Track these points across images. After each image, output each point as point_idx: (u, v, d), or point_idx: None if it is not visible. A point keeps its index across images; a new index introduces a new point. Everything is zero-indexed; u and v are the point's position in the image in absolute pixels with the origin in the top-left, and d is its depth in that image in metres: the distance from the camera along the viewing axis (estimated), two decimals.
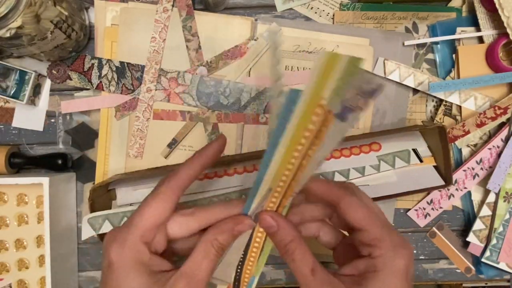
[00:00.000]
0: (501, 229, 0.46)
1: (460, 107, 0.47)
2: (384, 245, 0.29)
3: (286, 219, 0.31)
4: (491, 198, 0.46)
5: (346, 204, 0.31)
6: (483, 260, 0.46)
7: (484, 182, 0.46)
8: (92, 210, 0.43)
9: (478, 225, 0.47)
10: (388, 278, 0.29)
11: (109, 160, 0.48)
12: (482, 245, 0.47)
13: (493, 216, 0.46)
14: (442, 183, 0.45)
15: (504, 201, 0.46)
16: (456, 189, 0.48)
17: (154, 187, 0.33)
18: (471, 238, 0.47)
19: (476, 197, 0.48)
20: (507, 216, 0.46)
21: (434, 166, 0.46)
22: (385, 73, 0.47)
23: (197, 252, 0.31)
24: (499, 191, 0.46)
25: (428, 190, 0.46)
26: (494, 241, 0.46)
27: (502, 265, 0.46)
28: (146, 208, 0.31)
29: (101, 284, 0.31)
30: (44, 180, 0.44)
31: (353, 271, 0.31)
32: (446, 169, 0.44)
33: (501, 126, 0.46)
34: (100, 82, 0.47)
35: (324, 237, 0.34)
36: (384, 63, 0.47)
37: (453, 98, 0.47)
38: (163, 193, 0.31)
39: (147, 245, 0.30)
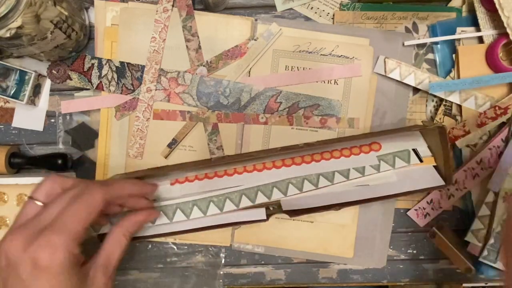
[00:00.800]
0: (499, 228, 0.46)
1: (460, 107, 0.47)
2: None
3: None
4: (490, 198, 0.46)
5: None
6: (480, 259, 0.46)
7: (484, 182, 0.46)
8: None
9: (476, 224, 0.47)
10: None
11: (109, 160, 0.48)
12: (480, 245, 0.47)
13: (492, 216, 0.46)
14: (442, 183, 0.45)
15: (504, 201, 0.46)
16: (456, 189, 0.48)
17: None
18: (469, 237, 0.47)
19: (476, 197, 0.48)
20: (505, 215, 0.46)
21: (434, 166, 0.46)
22: (385, 72, 0.47)
23: (110, 243, 0.35)
24: (499, 191, 0.46)
25: (428, 190, 0.46)
26: (492, 241, 0.46)
27: (499, 265, 0.46)
28: (78, 212, 0.33)
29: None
30: None
31: None
32: (446, 169, 0.44)
33: (501, 126, 0.46)
34: (100, 82, 0.47)
35: None
36: (384, 61, 0.47)
37: (454, 98, 0.47)
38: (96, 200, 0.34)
39: (78, 245, 0.32)
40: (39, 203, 0.34)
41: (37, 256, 0.30)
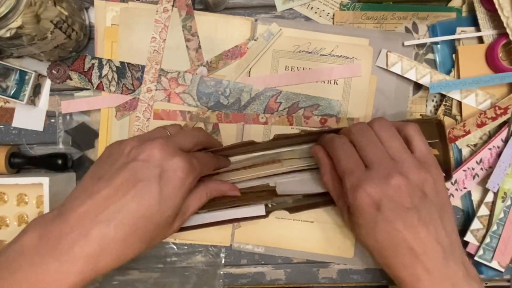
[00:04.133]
0: (495, 227, 0.46)
1: (460, 107, 0.47)
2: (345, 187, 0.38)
3: (323, 156, 0.42)
4: (489, 198, 0.46)
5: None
6: (476, 258, 0.46)
7: (484, 182, 0.47)
8: None
9: (475, 224, 0.47)
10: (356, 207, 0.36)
11: None
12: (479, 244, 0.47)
13: (491, 216, 0.46)
14: None
15: (503, 201, 0.46)
16: (456, 189, 0.48)
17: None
18: (468, 237, 0.47)
19: (476, 197, 0.48)
20: (502, 215, 0.46)
21: None
22: (387, 65, 0.47)
23: (193, 196, 0.39)
24: (498, 191, 0.46)
25: None
26: (487, 240, 0.46)
27: (494, 264, 0.46)
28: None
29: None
30: (44, 180, 0.44)
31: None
32: (445, 164, 0.44)
33: (501, 126, 0.46)
34: (100, 82, 0.47)
35: None
36: (386, 55, 0.47)
37: (454, 94, 0.47)
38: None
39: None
40: (168, 133, 0.40)
41: (177, 168, 0.35)
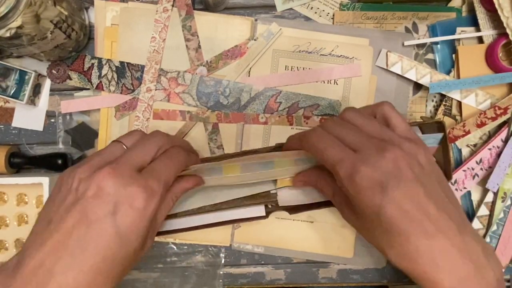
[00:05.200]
0: (495, 227, 0.46)
1: (460, 107, 0.47)
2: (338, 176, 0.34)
3: (306, 173, 0.43)
4: (489, 198, 0.46)
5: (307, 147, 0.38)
6: None
7: (484, 182, 0.47)
8: None
9: (475, 224, 0.47)
10: (352, 193, 0.33)
11: None
12: None
13: (490, 216, 0.46)
14: None
15: (503, 201, 0.46)
16: (456, 189, 0.48)
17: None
18: None
19: (476, 197, 0.48)
20: (501, 215, 0.46)
21: None
22: (387, 65, 0.47)
23: (163, 207, 0.37)
24: (498, 191, 0.46)
25: None
26: (487, 240, 0.46)
27: None
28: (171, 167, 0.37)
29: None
30: (44, 180, 0.44)
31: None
32: (445, 165, 0.44)
33: (501, 126, 0.46)
34: (100, 82, 0.47)
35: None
36: (387, 54, 0.47)
37: (454, 94, 0.47)
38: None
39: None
40: (125, 147, 0.36)
41: (134, 197, 0.32)
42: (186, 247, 0.50)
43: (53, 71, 0.47)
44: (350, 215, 0.37)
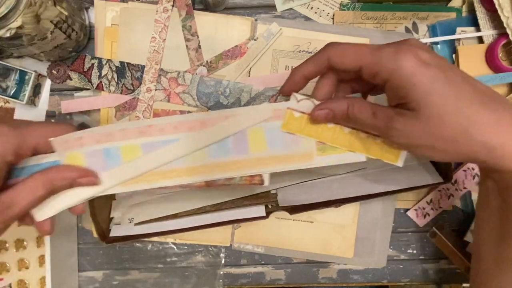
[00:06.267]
0: None
1: None
2: (383, 64, 0.30)
3: (332, 99, 0.33)
4: None
5: (334, 55, 0.32)
6: None
7: None
8: (92, 209, 0.43)
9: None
10: (411, 84, 0.29)
11: None
12: None
13: None
14: (441, 180, 0.44)
15: None
16: (456, 189, 0.48)
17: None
18: (468, 237, 0.47)
19: (476, 197, 0.48)
20: None
21: (432, 162, 0.45)
22: None
23: (23, 186, 0.30)
24: None
25: (426, 187, 0.46)
26: None
27: None
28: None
29: None
30: None
31: (393, 99, 0.31)
32: (445, 165, 0.44)
33: None
34: (100, 82, 0.47)
35: (358, 87, 0.36)
36: None
37: None
38: None
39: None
40: None
41: None
42: (186, 247, 0.50)
43: (53, 71, 0.47)
44: (407, 123, 0.30)
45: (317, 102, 0.33)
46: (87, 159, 0.32)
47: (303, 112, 0.33)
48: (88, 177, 0.32)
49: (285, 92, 0.35)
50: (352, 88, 0.35)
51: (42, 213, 0.32)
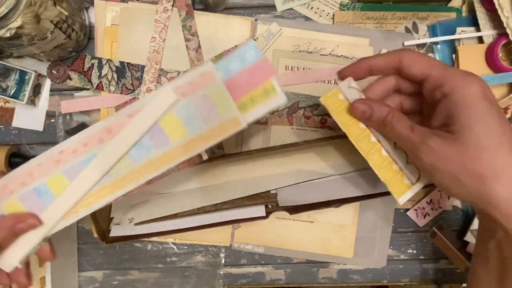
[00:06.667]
0: None
1: None
2: (451, 79, 0.30)
3: (374, 99, 0.34)
4: None
5: (407, 59, 0.32)
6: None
7: None
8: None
9: (476, 224, 0.47)
10: (467, 105, 0.29)
11: None
12: None
13: None
14: None
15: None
16: None
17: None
18: (468, 237, 0.47)
19: None
20: None
21: None
22: None
23: None
24: None
25: (426, 187, 0.46)
26: None
27: None
28: None
29: None
30: None
31: (439, 119, 0.32)
32: None
33: None
34: (100, 82, 0.47)
35: (406, 105, 0.36)
36: None
37: None
38: None
39: None
40: None
41: None
42: (186, 247, 0.50)
43: (53, 71, 0.47)
44: (442, 143, 0.30)
45: None
46: (23, 203, 0.32)
47: (346, 99, 0.34)
48: (25, 220, 0.31)
49: (343, 74, 0.35)
50: (402, 104, 0.36)
51: (5, 265, 0.31)
